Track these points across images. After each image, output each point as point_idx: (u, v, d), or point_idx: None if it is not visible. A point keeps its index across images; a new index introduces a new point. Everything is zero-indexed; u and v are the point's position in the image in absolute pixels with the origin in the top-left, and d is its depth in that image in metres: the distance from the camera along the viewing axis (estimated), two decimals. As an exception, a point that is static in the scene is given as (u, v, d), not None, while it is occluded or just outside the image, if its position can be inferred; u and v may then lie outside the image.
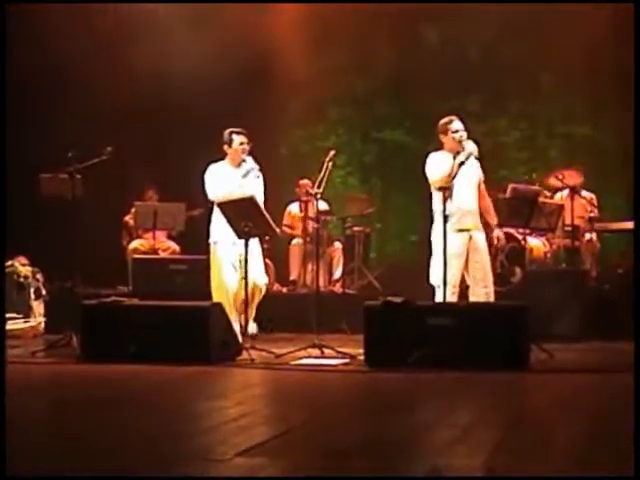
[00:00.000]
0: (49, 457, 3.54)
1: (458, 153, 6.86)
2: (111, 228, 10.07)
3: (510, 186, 7.60)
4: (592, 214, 9.15)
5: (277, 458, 3.51)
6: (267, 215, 7.02)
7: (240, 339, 6.82)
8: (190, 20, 10.10)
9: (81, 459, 3.47)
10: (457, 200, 6.83)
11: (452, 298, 6.83)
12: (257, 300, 7.55)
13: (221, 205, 7.11)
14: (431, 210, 7.04)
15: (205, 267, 7.61)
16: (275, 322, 8.27)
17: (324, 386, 5.70)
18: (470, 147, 6.86)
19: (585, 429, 4.07)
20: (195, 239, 8.71)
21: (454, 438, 3.79)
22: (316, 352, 6.67)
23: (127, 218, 10.02)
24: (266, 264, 8.50)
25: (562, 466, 3.33)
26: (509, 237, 8.72)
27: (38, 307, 8.98)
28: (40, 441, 3.87)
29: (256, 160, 7.59)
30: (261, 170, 7.57)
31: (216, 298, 7.24)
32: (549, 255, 9.10)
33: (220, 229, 7.34)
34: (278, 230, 7.55)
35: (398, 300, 6.16)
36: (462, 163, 6.80)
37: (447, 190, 6.69)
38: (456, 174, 6.78)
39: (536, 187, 8.18)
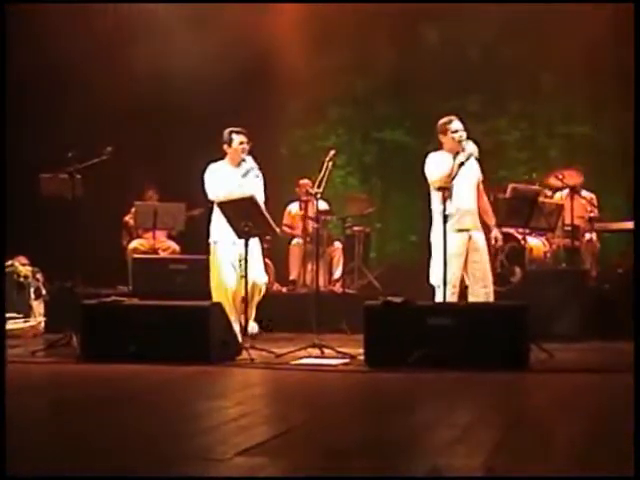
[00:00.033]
0: (49, 457, 3.54)
1: (457, 153, 6.86)
2: (111, 228, 10.07)
3: (510, 186, 7.60)
4: (592, 214, 9.15)
5: (277, 458, 3.51)
6: (267, 215, 7.03)
7: (240, 339, 6.83)
8: (190, 20, 10.10)
9: (81, 459, 3.47)
10: (456, 200, 6.83)
11: (452, 298, 6.83)
12: (257, 299, 7.56)
13: (221, 205, 7.11)
14: (430, 210, 7.05)
15: (205, 267, 7.60)
16: (275, 322, 8.26)
17: (324, 386, 5.70)
18: (470, 148, 6.86)
19: (585, 429, 4.07)
20: (195, 239, 8.71)
21: (454, 438, 3.79)
22: (316, 352, 6.67)
23: (127, 218, 10.02)
24: (266, 264, 8.50)
25: (562, 466, 3.33)
26: (509, 237, 8.73)
27: (38, 307, 8.98)
28: (40, 441, 3.87)
29: (256, 160, 7.60)
30: (261, 170, 7.58)
31: (216, 298, 7.24)
32: (549, 255, 9.10)
33: (220, 229, 7.35)
34: (278, 230, 7.55)
35: (398, 300, 6.16)
36: (462, 164, 6.81)
37: (447, 190, 6.69)
38: (456, 175, 6.78)
39: (537, 187, 8.18)
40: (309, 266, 9.62)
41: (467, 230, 7.00)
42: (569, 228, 8.87)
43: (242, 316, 7.13)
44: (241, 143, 7.56)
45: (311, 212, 9.43)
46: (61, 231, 7.65)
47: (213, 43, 9.69)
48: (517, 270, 8.70)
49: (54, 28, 9.88)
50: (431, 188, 6.99)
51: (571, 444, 3.75)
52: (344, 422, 4.39)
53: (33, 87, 10.18)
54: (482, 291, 6.99)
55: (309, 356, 6.62)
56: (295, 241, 10.06)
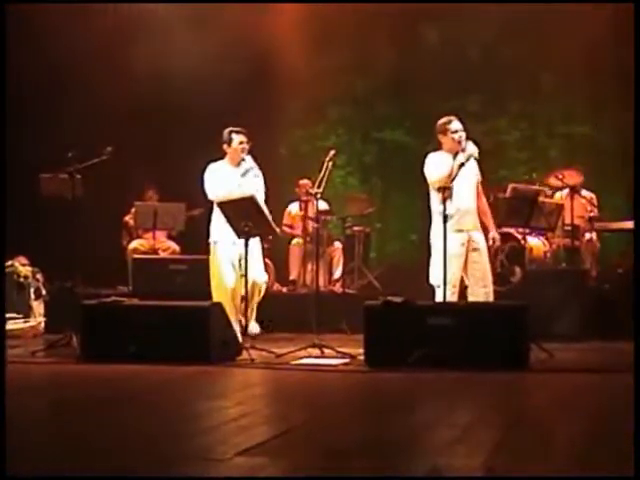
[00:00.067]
0: (49, 457, 3.54)
1: (457, 153, 6.86)
2: (111, 228, 10.07)
3: (510, 186, 7.60)
4: (592, 214, 9.15)
5: (277, 458, 3.51)
6: (268, 214, 7.03)
7: (240, 339, 6.83)
8: (190, 20, 10.10)
9: (81, 459, 3.47)
10: (456, 201, 6.84)
11: (452, 298, 6.83)
12: (257, 299, 7.56)
13: (221, 205, 7.11)
14: (430, 210, 7.05)
15: (205, 267, 7.60)
16: (275, 322, 8.26)
17: (324, 386, 5.70)
18: (471, 149, 6.86)
19: (585, 429, 4.07)
20: (195, 239, 8.71)
21: (454, 438, 3.79)
22: (316, 352, 6.67)
23: (127, 218, 10.02)
24: (266, 264, 8.50)
25: (562, 466, 3.33)
26: (509, 237, 8.73)
27: (38, 307, 8.98)
28: (40, 441, 3.88)
29: (256, 160, 7.60)
30: (261, 170, 7.58)
31: (216, 298, 7.24)
32: (549, 255, 9.10)
33: (220, 229, 7.35)
34: (278, 230, 7.55)
35: (398, 300, 6.16)
36: (462, 164, 6.81)
37: (447, 190, 6.69)
38: (456, 175, 6.78)
39: (537, 187, 8.18)
40: (309, 266, 9.62)
41: (467, 230, 7.00)
42: (569, 228, 8.87)
43: (242, 316, 7.13)
44: (241, 143, 7.56)
45: (311, 212, 9.43)
46: (61, 231, 7.65)
47: (213, 43, 9.69)
48: (517, 270, 8.70)
49: (54, 28, 9.88)
50: (430, 188, 6.99)
51: (571, 444, 3.75)
52: (344, 422, 4.39)
53: (33, 87, 10.18)
54: (482, 291, 6.98)
55: (309, 356, 6.62)
56: (295, 241, 10.06)
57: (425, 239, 7.14)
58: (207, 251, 7.62)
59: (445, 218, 6.57)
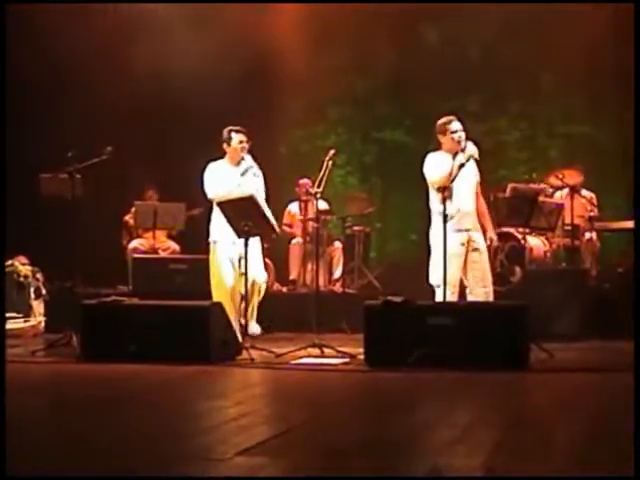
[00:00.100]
0: (49, 457, 3.54)
1: (457, 153, 6.86)
2: (111, 228, 10.07)
3: (510, 185, 7.60)
4: (592, 213, 9.15)
5: (277, 458, 3.51)
6: (268, 214, 7.03)
7: (240, 338, 6.83)
8: (190, 20, 10.10)
9: (81, 459, 3.47)
10: (457, 201, 6.84)
11: (452, 298, 6.83)
12: (257, 299, 7.56)
13: (221, 204, 7.11)
14: (429, 210, 7.05)
15: (205, 267, 7.61)
16: (275, 322, 8.27)
17: (324, 386, 5.70)
18: (471, 149, 6.86)
19: (585, 429, 4.07)
20: (195, 239, 8.71)
21: (454, 438, 3.79)
22: (316, 352, 6.67)
23: (127, 218, 10.02)
24: (266, 263, 8.50)
25: (562, 466, 3.33)
26: (509, 236, 8.73)
27: (38, 306, 8.99)
28: (40, 441, 3.87)
29: (256, 159, 7.61)
30: (261, 169, 7.58)
31: (216, 297, 7.24)
32: (549, 254, 9.09)
33: (220, 228, 7.35)
34: (279, 229, 7.55)
35: (398, 300, 6.16)
36: (462, 165, 6.80)
37: (447, 190, 6.69)
38: (456, 176, 6.78)
39: (539, 185, 8.17)
40: (309, 266, 9.62)
41: (467, 230, 6.99)
42: (569, 227, 8.87)
43: (242, 315, 7.14)
44: (240, 142, 7.57)
45: (311, 212, 9.44)
46: (61, 231, 7.65)
47: (213, 43, 9.69)
48: (517, 270, 8.70)
49: (54, 28, 9.88)
50: (430, 188, 6.99)
51: (571, 444, 3.75)
52: (344, 422, 4.39)
53: (33, 87, 10.18)
54: (482, 291, 6.98)
55: (309, 356, 6.62)
56: (295, 241, 10.06)
57: (425, 239, 7.13)
58: (207, 251, 7.63)
59: (445, 218, 6.58)
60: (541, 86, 10.66)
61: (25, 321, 8.79)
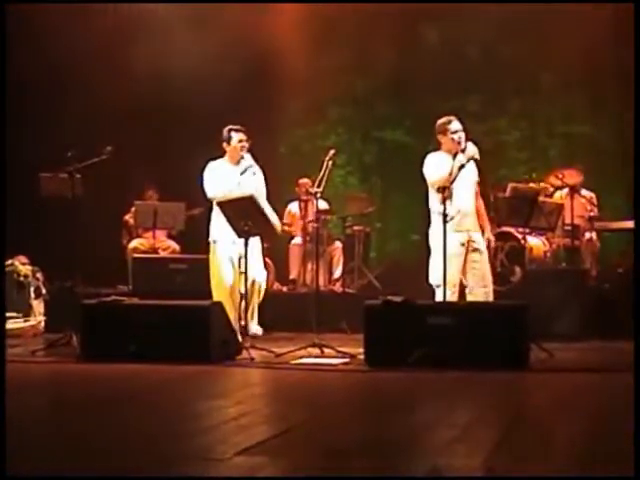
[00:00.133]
0: (49, 457, 3.54)
1: (457, 153, 6.86)
2: (111, 228, 10.07)
3: (510, 185, 7.60)
4: (592, 213, 9.16)
5: (277, 457, 3.51)
6: (270, 213, 7.03)
7: (240, 338, 6.83)
8: (190, 20, 10.10)
9: (81, 459, 3.47)
10: (457, 202, 6.84)
11: (452, 298, 6.83)
12: (257, 299, 7.57)
13: (221, 204, 7.11)
14: (429, 210, 7.05)
15: (205, 266, 7.61)
16: (275, 321, 8.26)
17: (324, 385, 5.70)
18: (472, 150, 6.85)
19: (585, 429, 4.08)
20: (195, 238, 8.71)
21: (454, 438, 3.79)
22: (316, 351, 6.67)
23: (127, 217, 10.02)
24: (266, 263, 8.51)
25: (562, 466, 3.33)
26: (509, 236, 8.73)
27: (38, 306, 8.98)
28: (40, 441, 3.87)
29: (256, 159, 7.61)
30: (261, 169, 7.59)
31: (216, 297, 7.25)
32: (549, 254, 9.10)
33: (220, 228, 7.35)
34: (279, 228, 7.55)
35: (398, 299, 6.16)
36: (462, 166, 6.80)
37: (447, 190, 6.69)
38: (456, 176, 6.77)
39: (539, 185, 8.17)
40: (309, 265, 9.62)
41: (467, 230, 6.99)
42: (569, 227, 8.87)
43: (242, 315, 7.14)
44: (240, 141, 7.57)
45: (311, 211, 9.43)
46: (61, 231, 7.65)
47: (213, 43, 9.69)
48: (517, 269, 8.70)
49: (54, 28, 9.88)
50: (430, 188, 6.98)
51: (571, 444, 3.75)
52: (344, 422, 4.39)
53: (33, 87, 10.18)
54: (482, 291, 6.98)
55: (309, 356, 6.62)
56: (295, 240, 10.06)
57: (425, 239, 7.13)
58: (207, 250, 7.63)
59: (445, 218, 6.58)
60: (541, 86, 10.66)
61: (25, 321, 8.79)
